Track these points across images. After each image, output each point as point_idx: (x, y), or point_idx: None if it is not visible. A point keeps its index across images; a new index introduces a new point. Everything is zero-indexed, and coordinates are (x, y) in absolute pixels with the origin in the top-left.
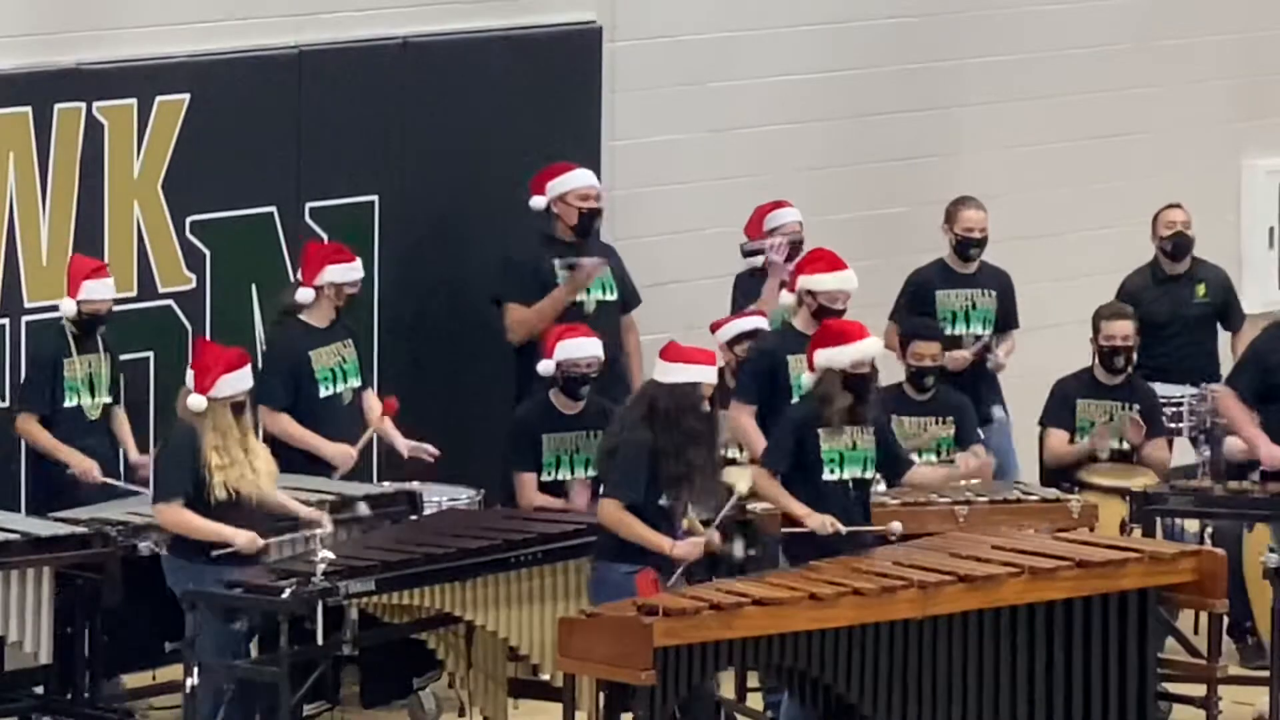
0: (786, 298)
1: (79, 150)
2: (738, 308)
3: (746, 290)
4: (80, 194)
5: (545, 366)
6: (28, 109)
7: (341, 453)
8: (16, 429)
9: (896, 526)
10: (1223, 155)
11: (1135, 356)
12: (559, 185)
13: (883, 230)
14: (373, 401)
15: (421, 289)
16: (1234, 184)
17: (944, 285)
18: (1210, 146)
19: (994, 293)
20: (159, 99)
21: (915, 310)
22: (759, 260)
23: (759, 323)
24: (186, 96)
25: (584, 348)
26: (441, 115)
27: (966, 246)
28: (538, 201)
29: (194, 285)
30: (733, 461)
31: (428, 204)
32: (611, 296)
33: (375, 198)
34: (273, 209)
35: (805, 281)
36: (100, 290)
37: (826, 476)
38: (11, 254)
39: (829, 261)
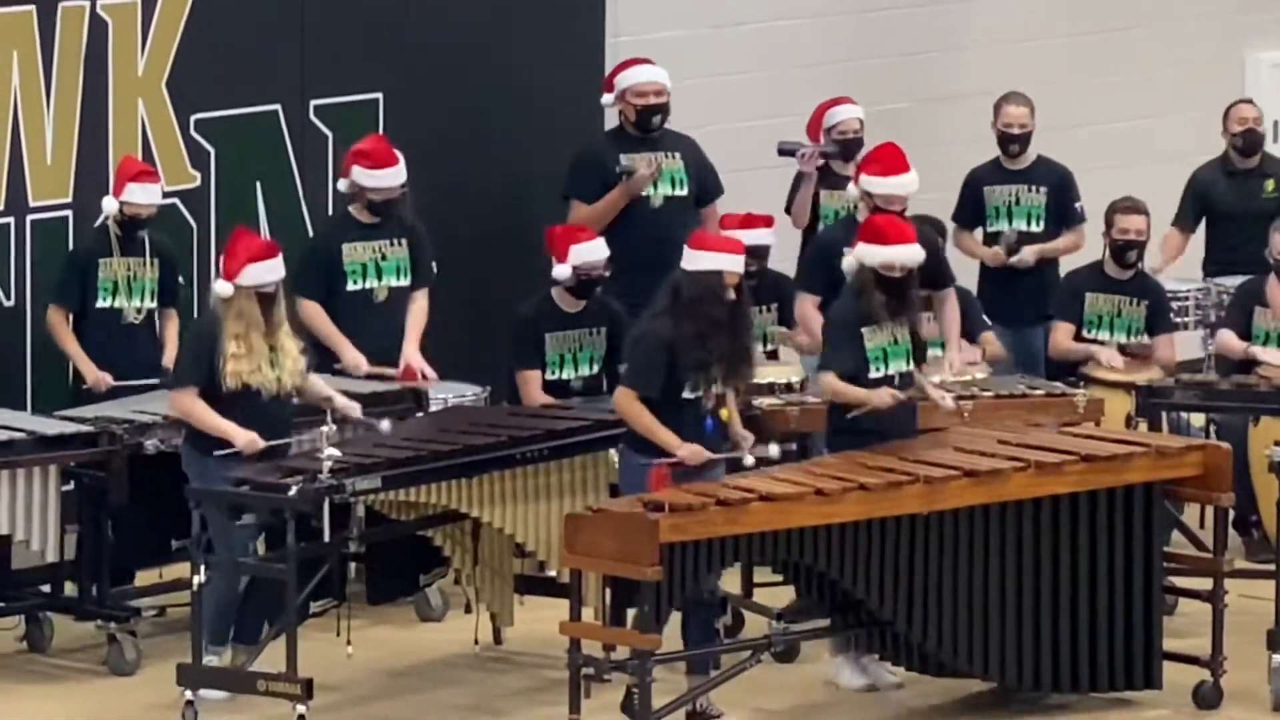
0: (853, 190)
1: (83, 48)
2: (790, 202)
3: (799, 187)
4: (84, 92)
5: (561, 271)
6: (32, 7)
7: (354, 362)
8: (47, 321)
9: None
10: (1227, 48)
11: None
12: (621, 82)
13: (886, 126)
14: (421, 305)
15: (425, 186)
16: (1238, 77)
17: (992, 181)
18: (1214, 39)
19: (1045, 188)
20: None
21: (967, 207)
22: (793, 160)
23: (761, 237)
24: None
25: (598, 250)
26: (445, 12)
27: (1006, 141)
28: (607, 99)
29: (198, 183)
30: (774, 355)
31: (431, 101)
32: (682, 191)
33: (379, 95)
34: (277, 106)
35: (864, 181)
36: (142, 194)
37: (873, 374)
38: (16, 153)
39: (889, 163)
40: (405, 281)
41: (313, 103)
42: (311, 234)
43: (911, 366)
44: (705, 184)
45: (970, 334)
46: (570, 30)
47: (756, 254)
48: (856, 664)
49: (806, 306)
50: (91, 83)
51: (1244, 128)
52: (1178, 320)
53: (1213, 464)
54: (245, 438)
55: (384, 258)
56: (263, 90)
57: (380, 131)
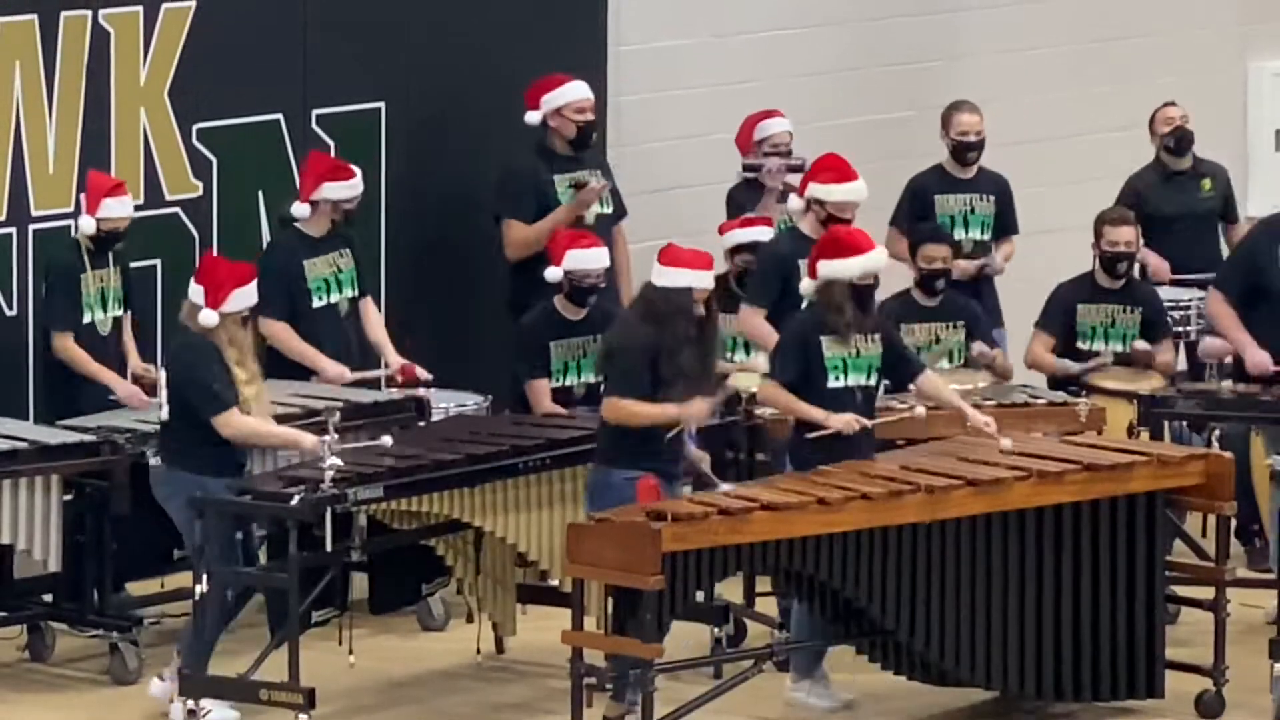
0: (795, 202)
1: (85, 58)
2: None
3: (740, 203)
4: (86, 102)
5: (553, 274)
6: (34, 17)
7: (338, 373)
8: (55, 351)
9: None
10: (1228, 57)
11: (1135, 262)
12: (555, 98)
13: (886, 135)
14: (373, 309)
15: (427, 195)
16: (1240, 86)
17: (942, 190)
18: (1216, 49)
19: (992, 197)
20: (165, 6)
21: (914, 216)
22: (754, 175)
23: (762, 234)
24: (192, 4)
25: (593, 258)
26: (447, 22)
27: (963, 150)
28: (533, 116)
29: (201, 193)
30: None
31: (434, 111)
32: (608, 209)
33: (381, 104)
34: (279, 116)
35: (815, 190)
36: (119, 209)
37: (831, 384)
38: (18, 163)
39: (839, 171)
40: (355, 291)
41: (315, 112)
42: (264, 253)
43: (875, 380)
44: (618, 204)
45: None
46: (572, 40)
47: (756, 251)
48: (821, 686)
49: (753, 319)
50: (94, 92)
51: (1172, 128)
52: (1180, 330)
53: (1214, 473)
54: (311, 439)
55: (340, 270)
56: (265, 99)
57: (383, 141)
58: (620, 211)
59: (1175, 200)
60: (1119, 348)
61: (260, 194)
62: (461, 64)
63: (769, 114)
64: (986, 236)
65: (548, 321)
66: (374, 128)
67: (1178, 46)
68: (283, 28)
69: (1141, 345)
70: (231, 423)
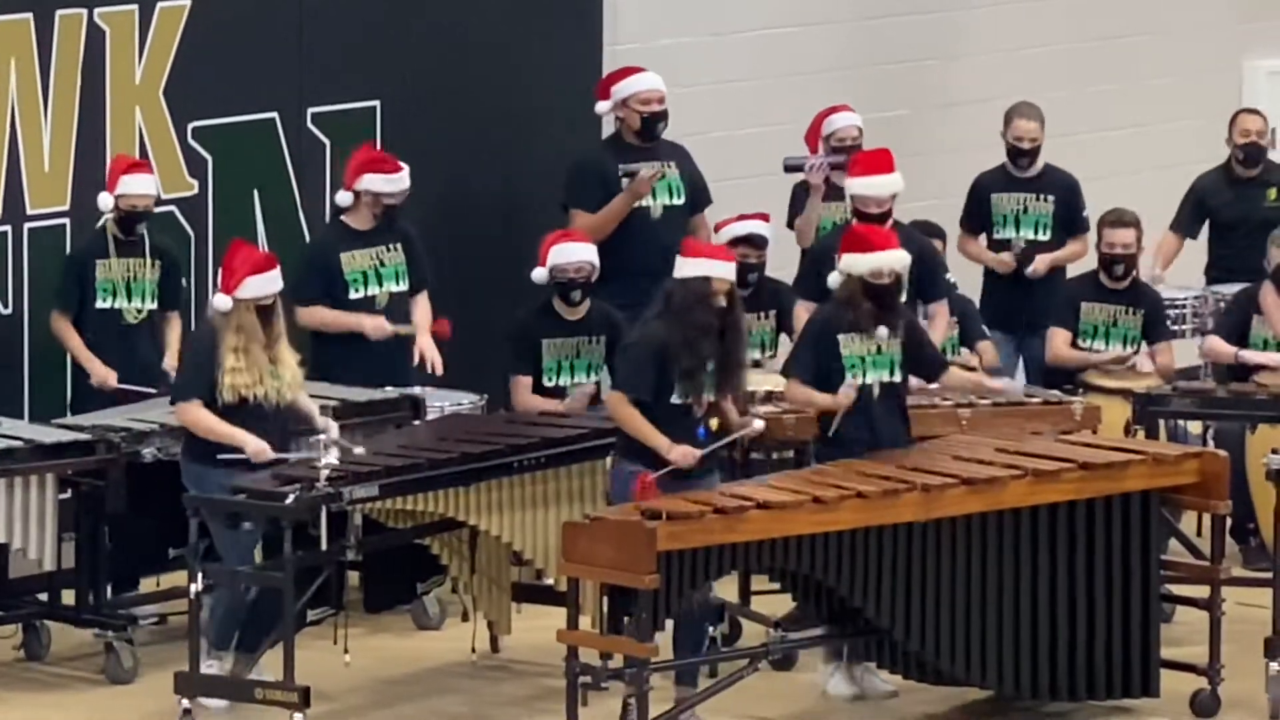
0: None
1: (80, 57)
2: (791, 218)
3: (801, 200)
4: (82, 101)
5: (538, 274)
6: (29, 15)
7: (376, 324)
8: (51, 328)
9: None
10: (1225, 56)
11: (1137, 263)
12: (622, 89)
13: (885, 133)
14: (423, 307)
15: (423, 194)
16: (1236, 85)
17: (1000, 189)
18: (1212, 48)
19: (1052, 197)
20: (160, 5)
21: (973, 213)
22: (801, 175)
23: (757, 227)
24: (187, 2)
25: (573, 253)
26: (443, 20)
27: (1016, 155)
28: (602, 106)
29: (196, 191)
30: (757, 364)
31: (429, 110)
32: (679, 200)
33: (377, 103)
34: (274, 114)
35: (847, 183)
36: (138, 185)
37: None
38: (14, 161)
39: (865, 164)
40: (404, 286)
41: (310, 110)
42: (308, 241)
43: (898, 378)
44: (697, 192)
45: (968, 341)
46: (569, 38)
47: (755, 243)
48: (847, 673)
49: (800, 311)
50: (89, 90)
51: (1247, 140)
52: (1176, 328)
53: (1210, 472)
54: (256, 445)
55: (382, 264)
56: (260, 98)
57: (378, 139)
58: (699, 202)
59: (1236, 206)
60: (1119, 348)
61: (256, 192)
62: (457, 63)
63: (837, 108)
64: (1044, 236)
65: (540, 319)
66: (369, 126)
67: (1175, 46)
68: (278, 26)
69: (1143, 358)
70: (181, 411)
